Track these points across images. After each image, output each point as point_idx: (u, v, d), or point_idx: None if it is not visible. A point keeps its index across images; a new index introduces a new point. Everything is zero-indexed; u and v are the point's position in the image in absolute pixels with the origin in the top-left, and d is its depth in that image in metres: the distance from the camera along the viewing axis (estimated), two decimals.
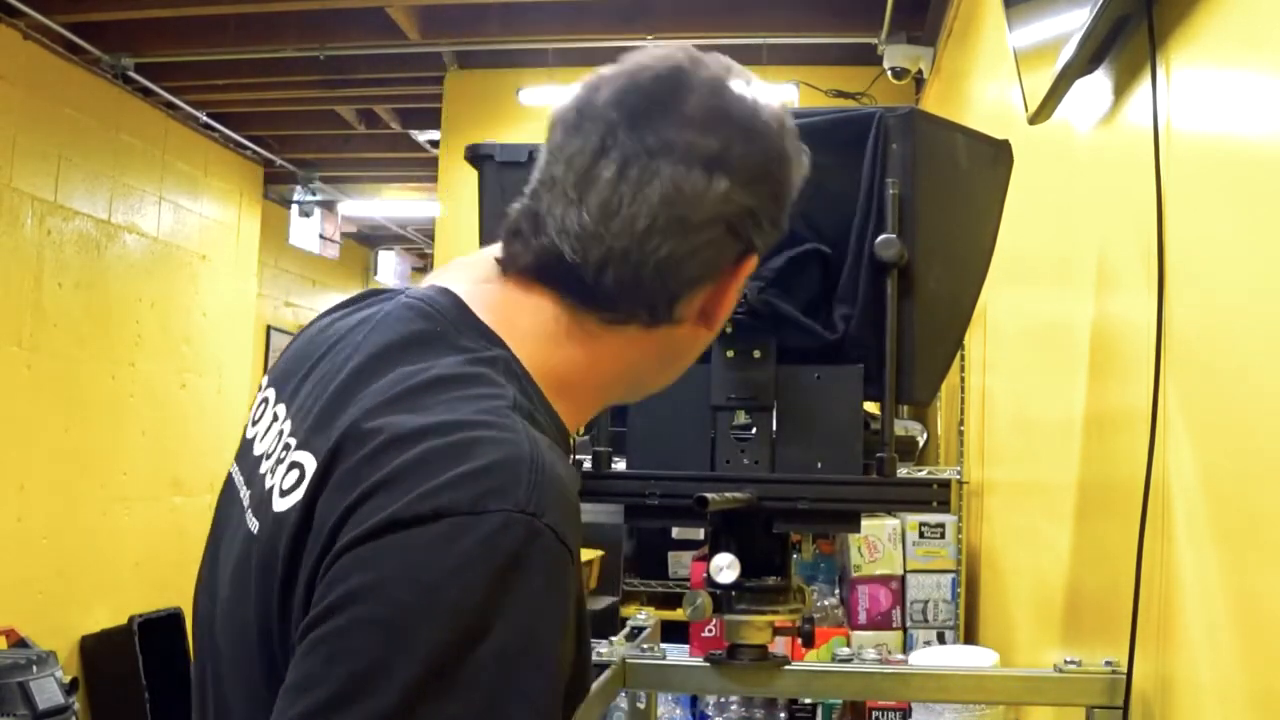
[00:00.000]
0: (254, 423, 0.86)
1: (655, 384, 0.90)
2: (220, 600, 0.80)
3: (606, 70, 0.81)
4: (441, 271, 0.90)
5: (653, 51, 0.81)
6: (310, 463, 0.71)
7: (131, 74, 4.72)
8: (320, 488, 0.69)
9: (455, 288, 0.81)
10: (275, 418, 0.82)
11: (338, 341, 0.82)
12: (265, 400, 0.86)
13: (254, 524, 0.76)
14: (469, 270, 0.85)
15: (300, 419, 0.77)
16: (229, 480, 0.87)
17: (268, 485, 0.76)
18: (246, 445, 0.86)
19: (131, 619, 4.65)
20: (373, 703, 0.59)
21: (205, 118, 5.44)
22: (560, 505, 0.66)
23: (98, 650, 4.63)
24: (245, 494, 0.81)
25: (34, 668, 3.59)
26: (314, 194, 7.03)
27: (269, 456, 0.79)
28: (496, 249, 0.83)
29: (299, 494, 0.71)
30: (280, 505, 0.72)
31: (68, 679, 3.75)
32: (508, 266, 0.81)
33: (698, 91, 0.78)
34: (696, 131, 0.76)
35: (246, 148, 6.00)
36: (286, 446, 0.76)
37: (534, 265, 0.79)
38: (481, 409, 0.70)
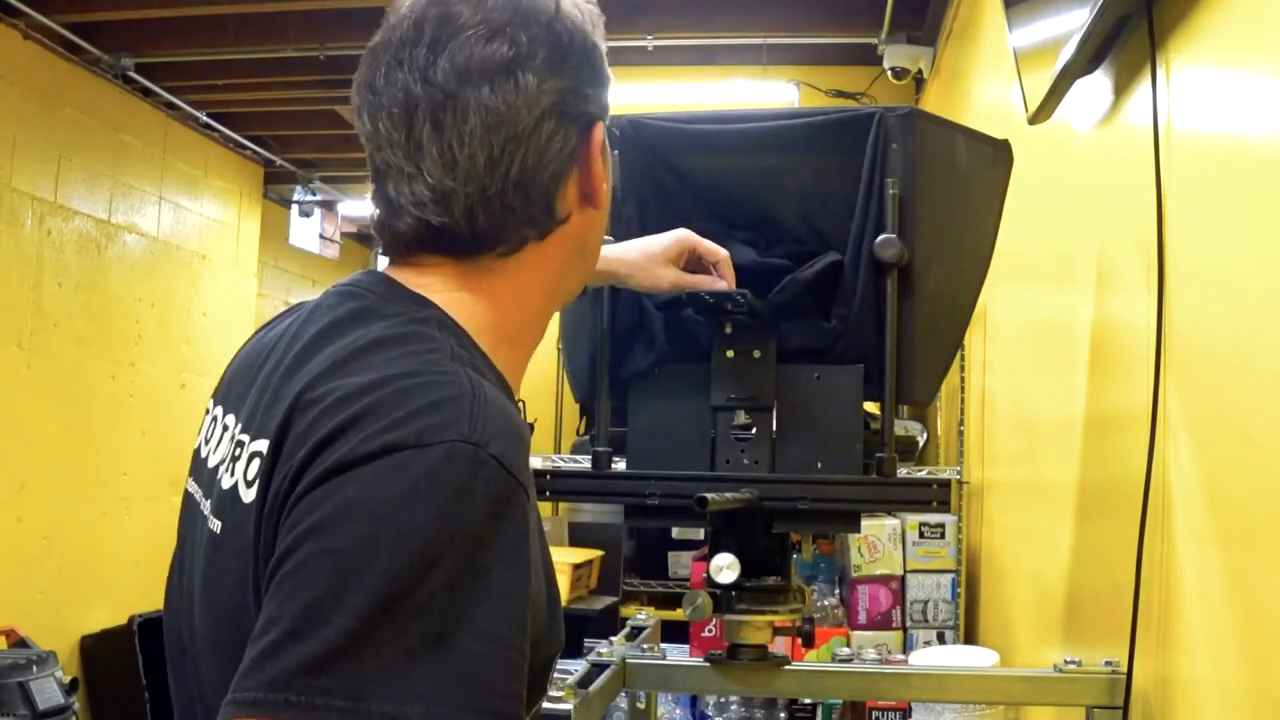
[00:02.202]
0: (205, 441, 0.86)
1: (578, 281, 0.91)
2: (198, 611, 0.79)
3: (371, 42, 0.81)
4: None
5: (400, 3, 0.81)
6: (264, 446, 0.72)
7: (131, 74, 4.72)
8: (275, 460, 0.70)
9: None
10: (225, 428, 0.82)
11: (276, 343, 0.82)
12: (214, 418, 0.86)
13: (216, 524, 0.77)
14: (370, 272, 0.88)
15: (250, 416, 0.78)
16: (186, 497, 0.87)
17: (226, 485, 0.76)
18: (200, 462, 0.86)
19: (131, 619, 4.65)
20: (327, 630, 0.59)
21: (205, 118, 5.43)
22: (505, 436, 0.66)
23: (98, 650, 4.62)
24: (205, 504, 0.81)
25: (34, 668, 3.59)
26: (314, 194, 7.03)
27: (224, 462, 0.79)
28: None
29: (261, 479, 0.71)
30: (248, 497, 0.72)
31: (68, 679, 3.75)
32: (394, 256, 0.83)
33: (461, 11, 0.77)
34: (479, 47, 0.76)
35: (246, 148, 6.00)
36: (240, 444, 0.77)
37: (414, 242, 0.80)
38: (422, 361, 0.71)
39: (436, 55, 0.76)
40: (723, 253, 1.23)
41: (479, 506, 0.63)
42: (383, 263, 0.87)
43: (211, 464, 0.82)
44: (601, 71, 0.84)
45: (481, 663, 0.61)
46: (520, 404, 0.85)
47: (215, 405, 0.87)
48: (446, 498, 0.63)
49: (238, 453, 0.77)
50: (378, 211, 0.82)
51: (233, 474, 0.76)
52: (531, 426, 0.84)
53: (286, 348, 0.79)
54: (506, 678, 0.62)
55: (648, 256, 1.20)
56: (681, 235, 1.23)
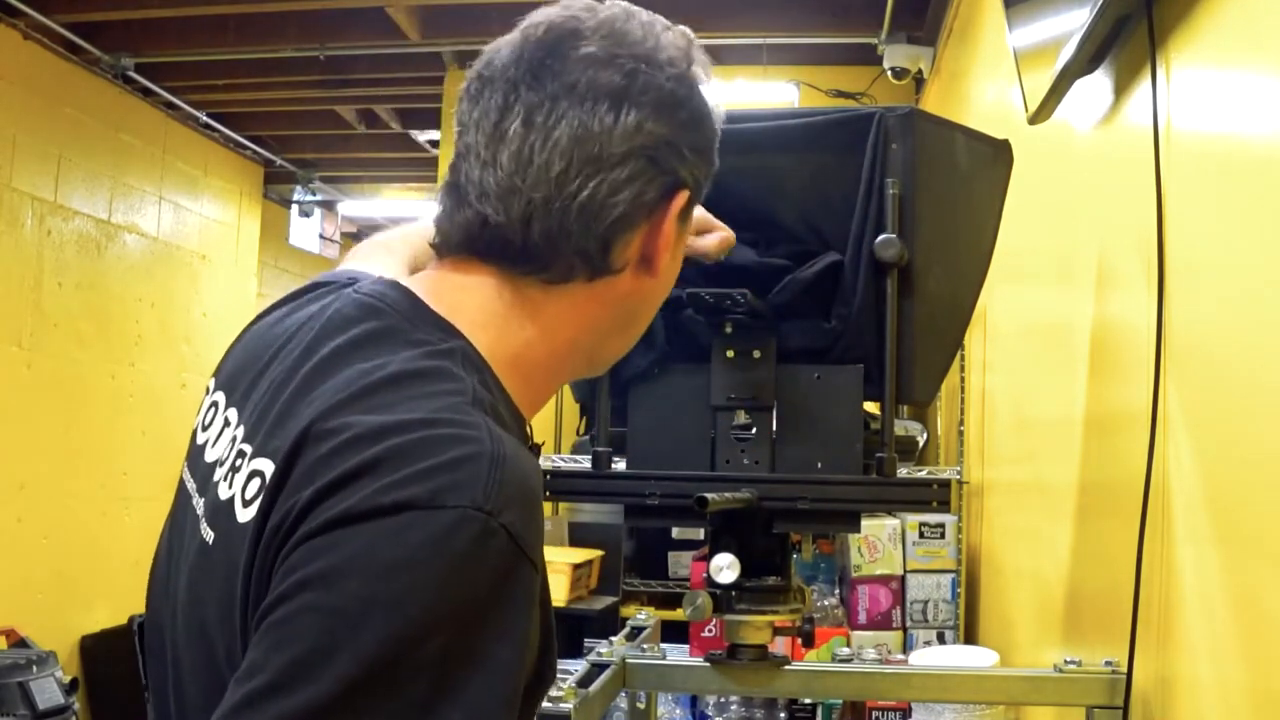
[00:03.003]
0: (204, 427, 0.84)
1: (613, 349, 0.88)
2: (180, 614, 0.79)
3: (505, 36, 0.80)
4: (364, 256, 0.88)
5: (547, 10, 0.80)
6: (269, 468, 0.70)
7: (131, 74, 4.72)
8: (279, 489, 0.68)
9: (401, 279, 0.81)
10: (227, 423, 0.80)
11: (288, 341, 0.80)
12: (215, 405, 0.84)
13: (209, 534, 0.75)
14: (394, 255, 0.84)
15: (254, 424, 0.76)
16: (181, 486, 0.85)
17: (224, 495, 0.75)
18: (197, 450, 0.83)
19: (131, 619, 4.65)
20: (311, 690, 0.58)
21: (205, 118, 5.44)
22: (520, 505, 0.65)
23: (98, 650, 4.63)
24: (199, 502, 0.79)
25: (34, 668, 3.59)
26: (314, 194, 7.03)
27: (222, 464, 0.77)
28: (419, 229, 0.81)
29: (260, 502, 0.69)
30: (244, 516, 0.71)
31: (68, 679, 3.75)
32: (442, 250, 0.81)
33: (595, 33, 0.77)
34: (597, 70, 0.76)
35: (246, 148, 6.00)
36: (241, 454, 0.75)
37: (465, 240, 0.79)
38: (442, 405, 0.69)
39: (554, 62, 0.76)
40: (720, 233, 1.18)
41: (483, 579, 0.62)
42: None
43: (209, 459, 0.80)
44: (707, 141, 0.83)
45: None
46: (529, 431, 0.83)
47: (216, 389, 0.85)
48: (451, 567, 0.61)
49: (239, 463, 0.75)
50: (444, 198, 0.81)
51: (231, 485, 0.74)
52: (537, 449, 0.82)
53: (300, 357, 0.77)
54: None
55: None
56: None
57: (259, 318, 0.90)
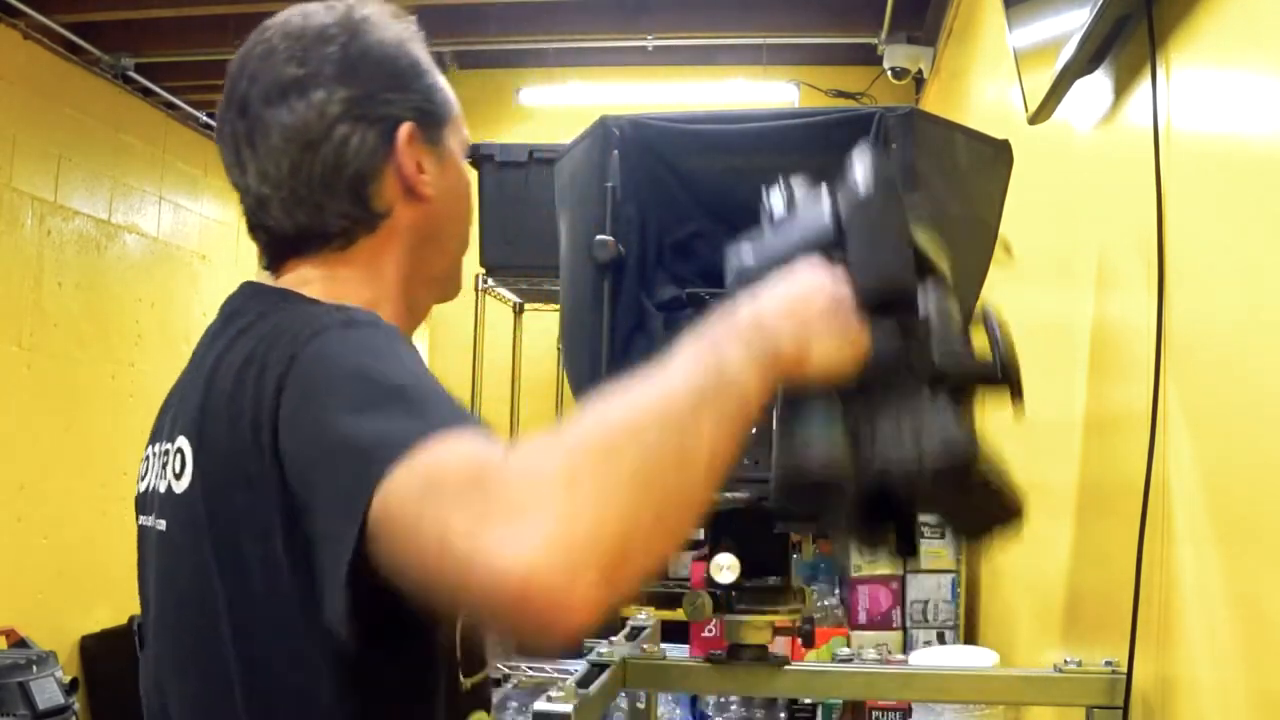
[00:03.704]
0: (141, 478, 0.96)
1: (439, 263, 1.00)
2: (153, 609, 0.90)
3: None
4: None
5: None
6: (185, 440, 0.85)
7: (131, 74, 4.72)
8: (200, 443, 0.83)
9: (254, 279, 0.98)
10: (151, 456, 0.94)
11: (186, 376, 0.94)
12: (146, 459, 0.96)
13: (161, 523, 0.88)
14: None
15: (170, 431, 0.90)
16: (138, 530, 0.96)
17: (162, 489, 0.88)
18: (140, 497, 0.96)
19: (131, 619, 4.65)
20: (374, 419, 0.71)
21: (205, 118, 5.43)
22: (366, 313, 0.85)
23: (98, 650, 4.62)
24: (150, 519, 0.91)
25: (34, 668, 3.59)
26: None
27: (155, 477, 0.91)
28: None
29: (191, 463, 0.84)
30: (179, 486, 0.85)
31: (68, 679, 3.75)
32: (271, 267, 0.97)
33: (264, 45, 0.91)
34: (275, 73, 0.89)
35: None
36: (165, 453, 0.89)
37: (274, 253, 0.95)
38: (313, 309, 0.86)
39: (251, 86, 0.90)
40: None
41: (381, 336, 0.81)
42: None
43: (148, 489, 0.93)
44: (405, 77, 0.93)
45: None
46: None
47: (148, 445, 0.97)
48: (381, 335, 0.81)
49: (164, 460, 0.88)
50: (252, 236, 0.96)
51: (163, 478, 0.88)
52: None
53: (193, 365, 0.91)
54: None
55: None
56: None
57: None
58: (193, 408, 0.84)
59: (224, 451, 0.81)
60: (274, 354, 0.79)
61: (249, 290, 0.94)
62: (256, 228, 0.94)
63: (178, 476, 0.85)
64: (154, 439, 0.96)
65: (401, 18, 0.95)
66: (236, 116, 0.91)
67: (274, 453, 0.76)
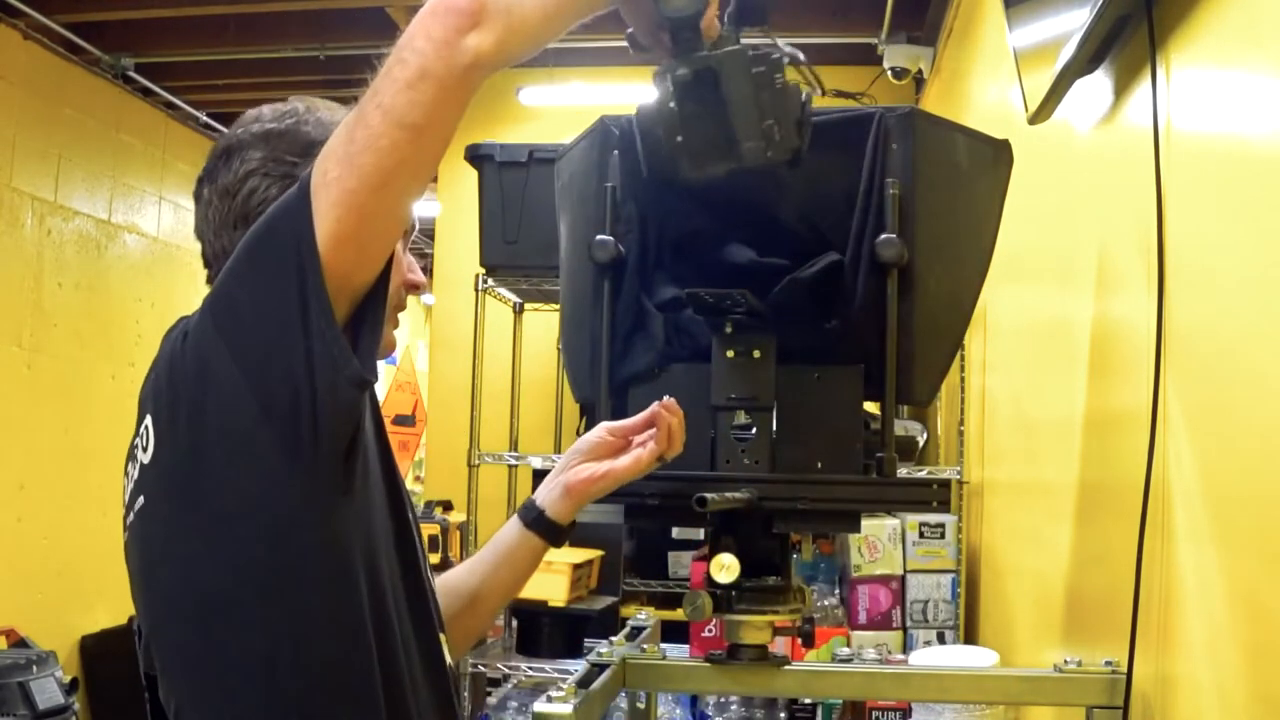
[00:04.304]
0: (123, 502, 1.06)
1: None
2: (140, 592, 1.03)
3: None
4: None
5: None
6: (148, 418, 1.01)
7: (131, 74, 4.72)
8: (156, 413, 1.00)
9: None
10: (126, 472, 1.06)
11: None
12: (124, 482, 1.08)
13: (140, 500, 1.01)
14: None
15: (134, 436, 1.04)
16: (125, 544, 1.07)
17: (135, 475, 1.02)
18: (124, 516, 1.06)
19: (131, 619, 4.63)
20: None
21: (205, 118, 5.43)
22: None
23: (98, 650, 4.62)
24: (131, 514, 1.03)
25: (34, 668, 3.58)
26: None
27: (131, 477, 1.04)
28: None
29: (153, 432, 1.00)
30: (146, 457, 1.00)
31: (68, 679, 3.75)
32: None
33: (230, 134, 1.13)
34: (221, 148, 1.12)
35: None
36: (133, 448, 1.03)
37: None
38: None
39: (211, 164, 1.12)
40: (647, 413, 1.23)
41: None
42: None
43: (125, 497, 1.05)
44: (307, 139, 1.10)
45: None
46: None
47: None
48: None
49: (131, 456, 1.03)
50: None
51: (137, 464, 1.02)
52: None
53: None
54: None
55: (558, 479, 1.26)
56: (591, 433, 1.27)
57: None
58: (145, 397, 1.04)
59: (169, 383, 1.00)
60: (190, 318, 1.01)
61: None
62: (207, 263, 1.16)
63: (145, 449, 1.00)
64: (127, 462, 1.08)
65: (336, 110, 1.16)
66: (204, 181, 1.13)
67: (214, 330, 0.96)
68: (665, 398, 1.22)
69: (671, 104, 1.03)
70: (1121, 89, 1.38)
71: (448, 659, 1.14)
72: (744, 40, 1.05)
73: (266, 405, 0.92)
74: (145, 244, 5.13)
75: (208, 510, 0.96)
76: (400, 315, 1.15)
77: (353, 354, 0.91)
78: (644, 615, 1.55)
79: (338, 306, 0.91)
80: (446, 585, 1.27)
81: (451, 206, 4.81)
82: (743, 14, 1.07)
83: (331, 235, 0.89)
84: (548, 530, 1.25)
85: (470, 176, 3.08)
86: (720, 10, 1.04)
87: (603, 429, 1.25)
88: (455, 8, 0.88)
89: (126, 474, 1.05)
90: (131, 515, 1.03)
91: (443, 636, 1.14)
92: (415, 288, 1.15)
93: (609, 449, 1.23)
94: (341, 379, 0.91)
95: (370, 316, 0.94)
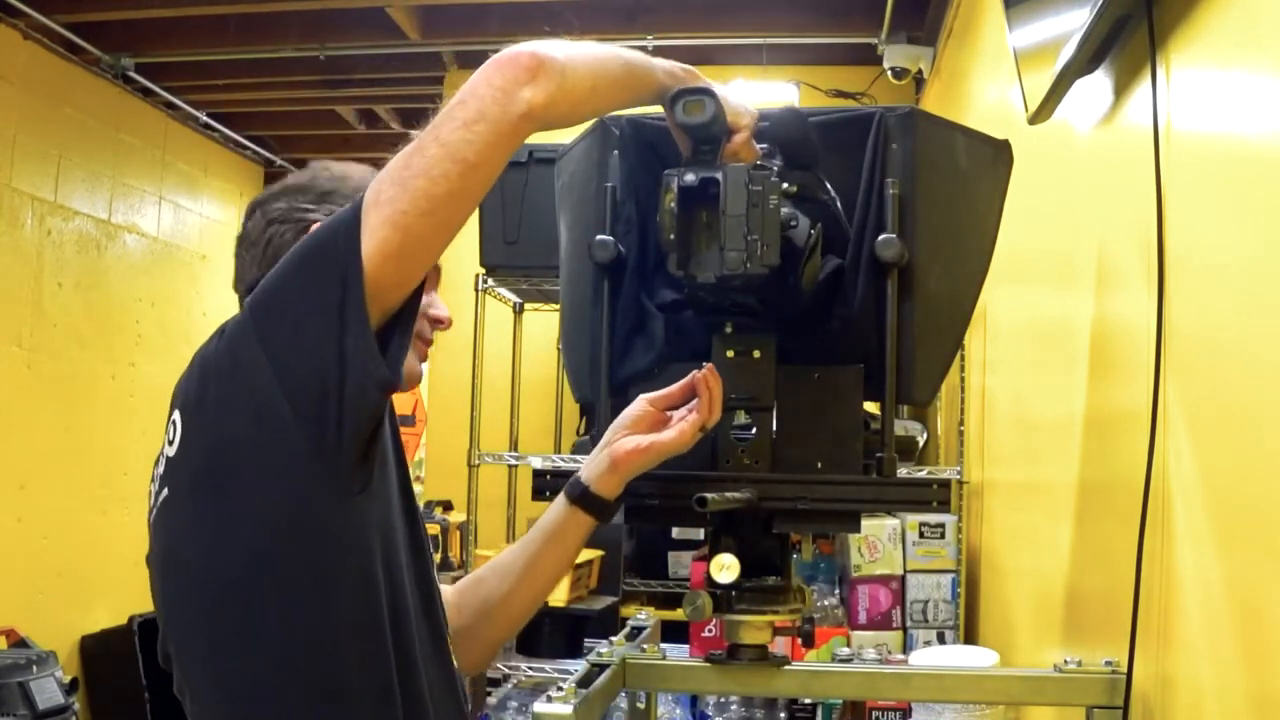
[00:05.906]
0: (150, 497, 1.10)
1: None
2: (158, 581, 1.06)
3: None
4: None
5: None
6: (176, 414, 1.06)
7: (131, 74, 4.72)
8: (184, 407, 1.05)
9: None
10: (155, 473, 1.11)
11: None
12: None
13: (165, 491, 1.05)
14: None
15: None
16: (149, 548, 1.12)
17: (162, 469, 1.07)
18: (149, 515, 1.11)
19: (131, 619, 4.65)
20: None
21: (205, 118, 5.43)
22: None
23: (98, 650, 4.62)
24: (155, 505, 1.08)
25: (34, 668, 3.59)
26: None
27: (156, 478, 1.09)
28: None
29: (180, 428, 1.04)
30: (171, 451, 1.05)
31: (68, 679, 3.75)
32: None
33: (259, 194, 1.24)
34: (248, 211, 1.22)
35: (246, 148, 6.00)
36: (163, 448, 1.08)
37: None
38: None
39: (243, 233, 1.21)
40: (698, 374, 1.23)
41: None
42: None
43: (150, 500, 1.09)
44: (319, 191, 1.18)
45: None
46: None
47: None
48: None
49: (163, 450, 1.07)
50: None
51: (163, 459, 1.06)
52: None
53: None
54: None
55: (608, 444, 1.25)
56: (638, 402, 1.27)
57: None
58: (175, 400, 1.07)
59: (202, 379, 1.04)
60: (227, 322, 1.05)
61: None
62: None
63: (170, 443, 1.05)
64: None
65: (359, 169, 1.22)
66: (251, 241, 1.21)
67: (255, 335, 1.00)
68: (705, 364, 1.22)
69: (672, 205, 1.14)
70: (1121, 89, 1.38)
71: (454, 661, 1.18)
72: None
73: (294, 402, 0.97)
74: (145, 244, 5.13)
75: (229, 502, 1.00)
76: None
77: (383, 359, 0.97)
78: (644, 615, 1.55)
79: (371, 318, 0.97)
80: (498, 565, 1.30)
81: None
82: (789, 160, 1.23)
83: (378, 251, 0.96)
84: (593, 505, 1.25)
85: None
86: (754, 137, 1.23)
87: (643, 400, 1.25)
88: (518, 62, 0.99)
89: (153, 477, 1.09)
90: (155, 508, 1.06)
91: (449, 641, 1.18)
92: (438, 322, 1.22)
93: (651, 421, 1.24)
94: (370, 381, 0.97)
95: (400, 329, 1.00)
